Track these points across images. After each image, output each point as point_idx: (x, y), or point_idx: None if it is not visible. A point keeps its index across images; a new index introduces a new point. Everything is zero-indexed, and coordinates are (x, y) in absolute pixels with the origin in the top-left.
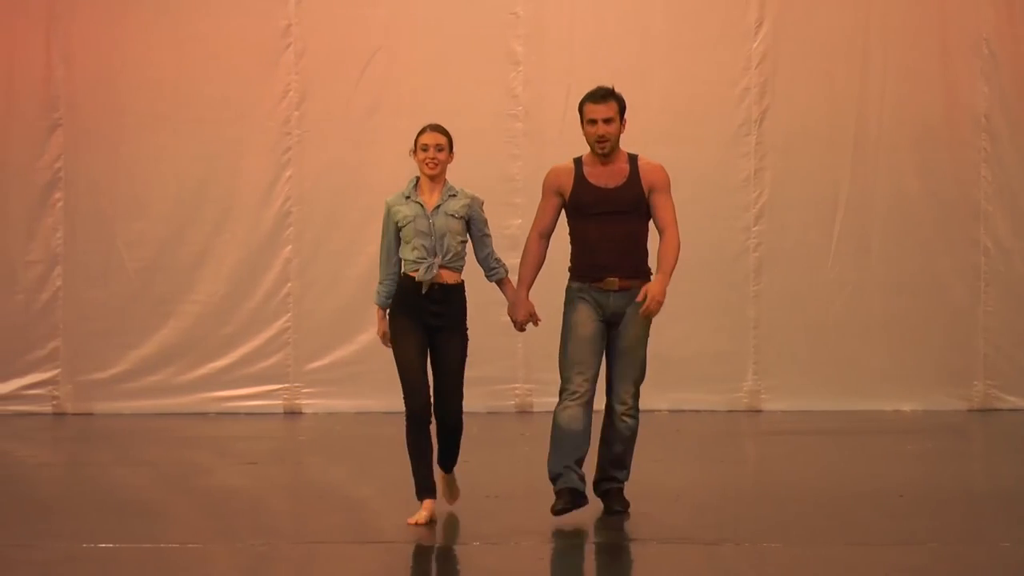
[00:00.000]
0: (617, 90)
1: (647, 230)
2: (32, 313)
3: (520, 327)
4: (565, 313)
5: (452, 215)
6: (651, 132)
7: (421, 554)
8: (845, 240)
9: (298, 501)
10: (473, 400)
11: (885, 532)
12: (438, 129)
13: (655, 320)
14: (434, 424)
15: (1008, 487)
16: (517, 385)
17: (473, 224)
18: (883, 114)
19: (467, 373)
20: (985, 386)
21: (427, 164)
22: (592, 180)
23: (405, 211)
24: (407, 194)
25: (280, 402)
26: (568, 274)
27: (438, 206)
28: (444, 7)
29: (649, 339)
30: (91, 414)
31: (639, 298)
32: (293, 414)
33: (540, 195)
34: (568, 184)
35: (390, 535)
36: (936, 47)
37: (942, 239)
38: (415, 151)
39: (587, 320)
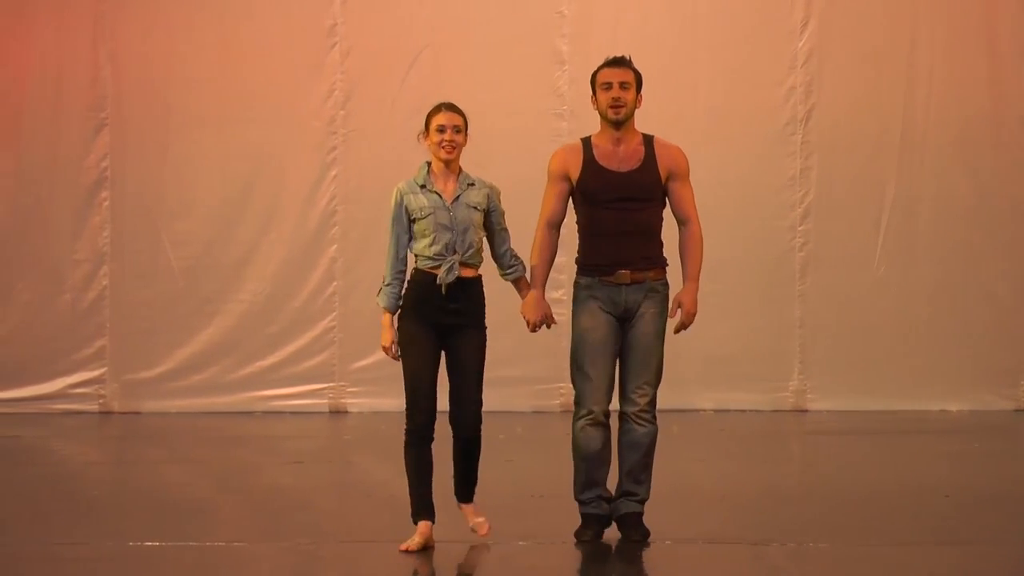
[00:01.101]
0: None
1: (662, 218)
2: (79, 312)
3: (534, 328)
4: (574, 315)
5: (473, 207)
6: (696, 130)
7: (466, 553)
8: (891, 239)
9: (344, 500)
10: (518, 400)
11: (931, 532)
12: (454, 108)
13: (698, 318)
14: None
15: None
16: (562, 384)
17: (491, 216)
18: (929, 113)
19: (511, 372)
20: None
21: (443, 147)
22: (603, 162)
23: (422, 201)
24: (421, 182)
25: (325, 401)
26: (575, 267)
27: (457, 197)
28: (489, 6)
29: (666, 339)
30: (137, 413)
31: (671, 314)
32: (338, 413)
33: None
34: (576, 166)
35: (436, 534)
36: (983, 47)
37: (988, 239)
38: (426, 133)
39: (597, 325)
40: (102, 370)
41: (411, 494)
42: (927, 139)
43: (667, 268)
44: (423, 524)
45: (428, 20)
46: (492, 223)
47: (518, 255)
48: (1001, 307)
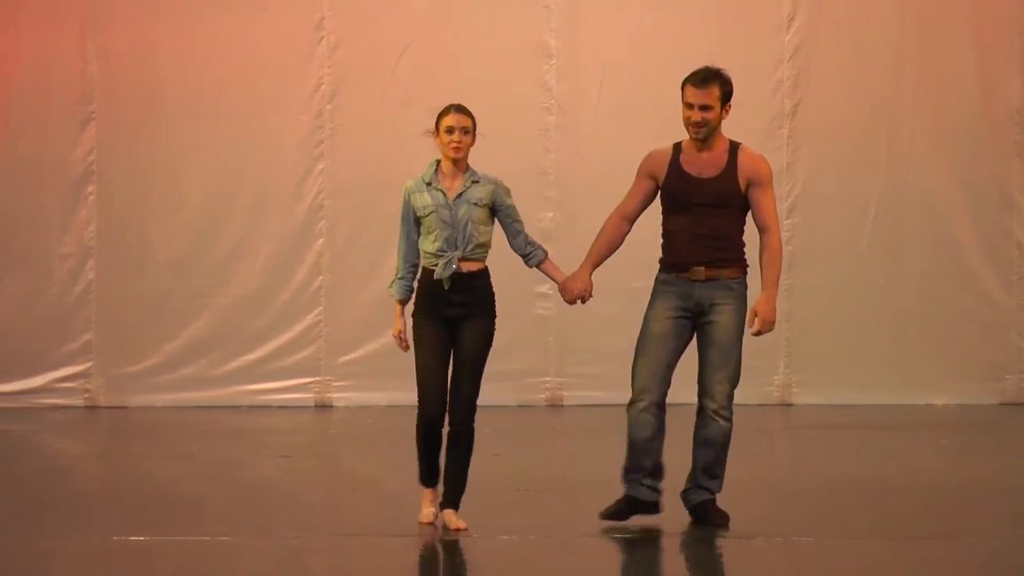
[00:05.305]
0: (725, 72)
1: (742, 223)
2: (65, 306)
3: (570, 301)
4: (648, 305)
5: (476, 203)
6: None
7: (453, 547)
8: (878, 233)
9: (331, 494)
10: (504, 394)
11: (917, 526)
12: (462, 110)
13: None
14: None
15: None
16: (548, 379)
17: (501, 212)
18: (916, 107)
19: (497, 366)
20: (1018, 379)
21: (452, 147)
22: (686, 167)
23: (426, 199)
24: (427, 179)
25: (311, 395)
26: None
27: (460, 194)
28: (477, 1)
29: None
30: (124, 407)
31: (748, 323)
32: (324, 407)
33: (574, 189)
34: (662, 169)
35: (423, 528)
36: (970, 41)
37: (975, 233)
38: (436, 133)
39: (663, 315)
40: (88, 364)
41: (419, 463)
42: (914, 132)
43: (747, 270)
44: (429, 492)
45: (416, 14)
46: (503, 218)
47: (534, 241)
48: (987, 301)
